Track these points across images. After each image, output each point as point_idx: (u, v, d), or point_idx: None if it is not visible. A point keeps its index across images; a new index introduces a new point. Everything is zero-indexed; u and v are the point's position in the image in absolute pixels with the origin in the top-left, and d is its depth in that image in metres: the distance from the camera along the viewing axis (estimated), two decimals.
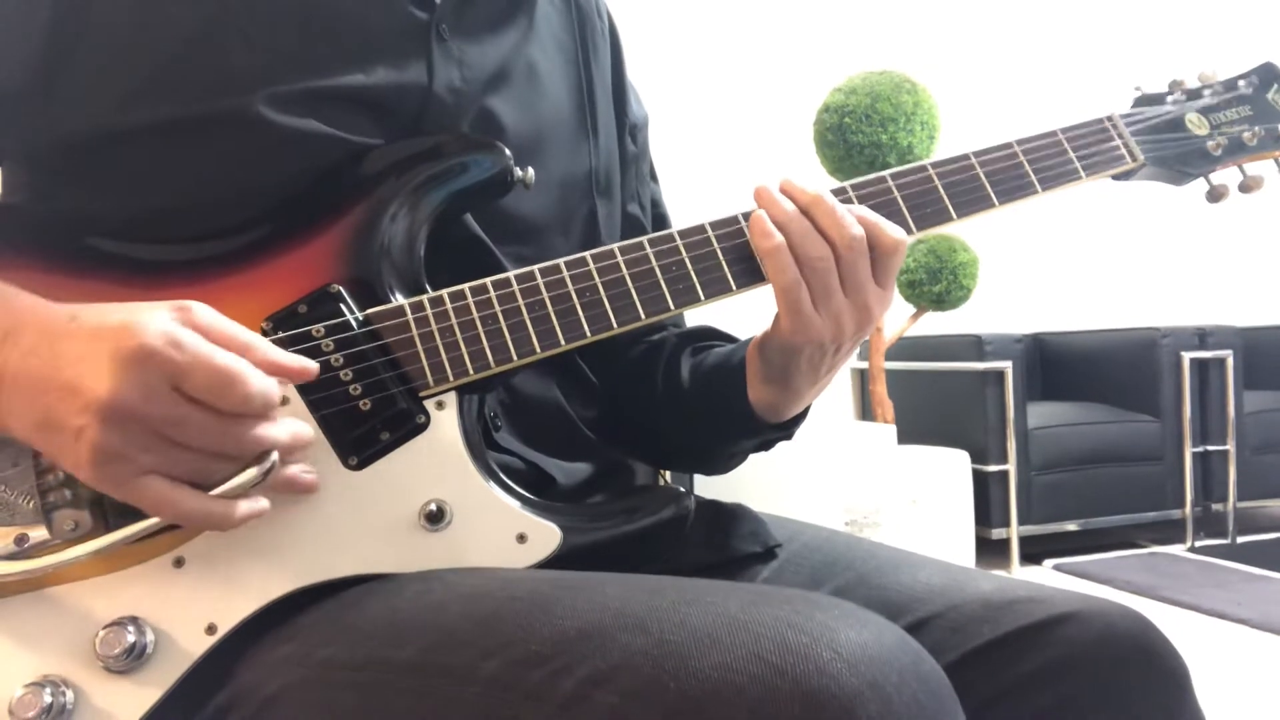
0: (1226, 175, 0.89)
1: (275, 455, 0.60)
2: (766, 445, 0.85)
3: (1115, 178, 0.85)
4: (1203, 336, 3.62)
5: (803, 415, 0.83)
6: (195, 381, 0.55)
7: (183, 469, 0.57)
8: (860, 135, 2.84)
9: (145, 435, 0.56)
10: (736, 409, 0.80)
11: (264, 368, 0.59)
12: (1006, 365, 3.29)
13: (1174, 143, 0.86)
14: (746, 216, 0.74)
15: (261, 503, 0.60)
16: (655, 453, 0.93)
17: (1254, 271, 4.55)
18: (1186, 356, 3.54)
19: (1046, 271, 4.27)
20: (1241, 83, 0.89)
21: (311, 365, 0.62)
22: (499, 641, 0.54)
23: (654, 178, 0.99)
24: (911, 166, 0.78)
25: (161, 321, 0.56)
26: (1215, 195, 0.88)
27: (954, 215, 0.78)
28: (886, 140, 2.82)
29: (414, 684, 0.55)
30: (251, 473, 0.59)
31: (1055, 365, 4.01)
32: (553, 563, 0.66)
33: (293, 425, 0.62)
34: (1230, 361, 3.58)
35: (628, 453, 0.89)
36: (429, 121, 0.75)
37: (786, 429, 0.83)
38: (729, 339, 0.89)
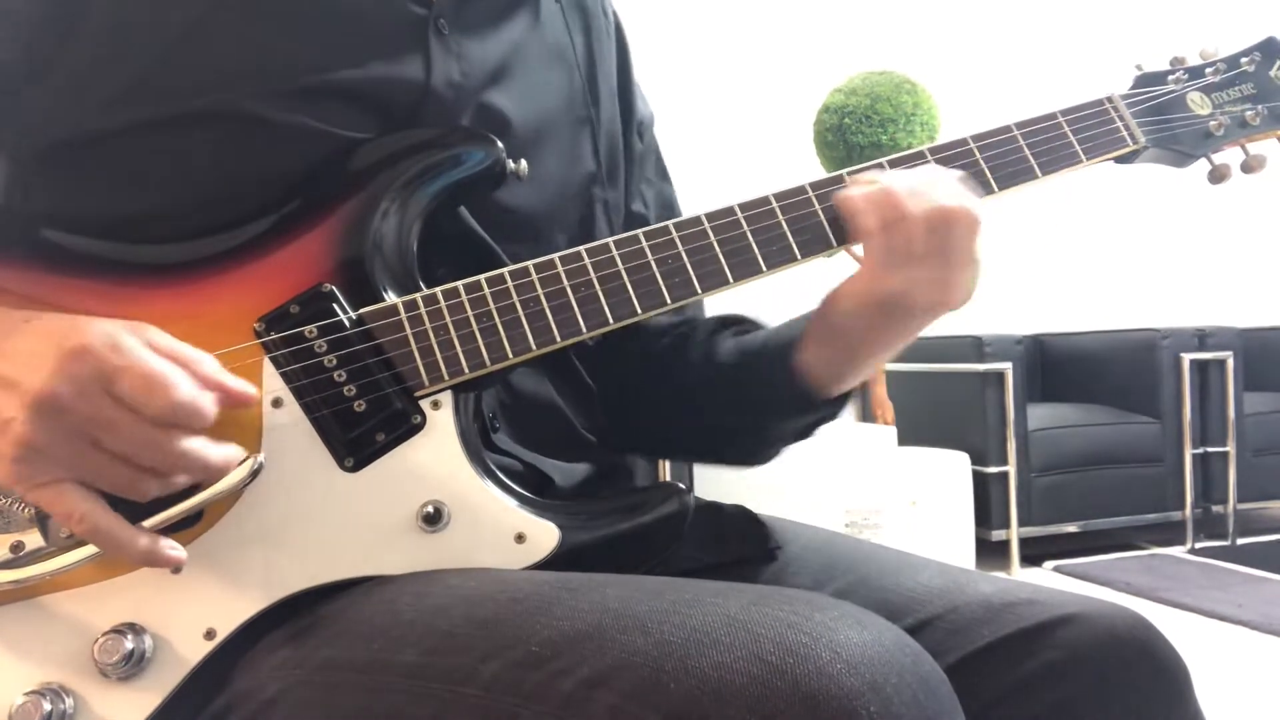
0: (1228, 155, 0.87)
1: (196, 500, 0.60)
2: (808, 431, 0.84)
3: (1117, 160, 0.83)
4: (1203, 338, 3.62)
5: (849, 394, 0.81)
6: (125, 384, 0.56)
7: (107, 479, 0.57)
8: (860, 136, 2.85)
9: (71, 435, 0.56)
10: (783, 381, 0.78)
11: (204, 382, 0.59)
12: (1006, 366, 3.29)
13: (1176, 124, 0.84)
14: (743, 208, 0.73)
15: (178, 551, 0.59)
16: (680, 446, 0.91)
17: (1254, 272, 4.55)
18: (1186, 358, 3.54)
19: (1046, 272, 4.27)
20: (1244, 60, 0.87)
21: (252, 391, 0.62)
22: (499, 643, 0.54)
23: (666, 178, 0.98)
24: (909, 153, 0.77)
25: (107, 326, 0.57)
26: (1217, 176, 0.86)
27: None
28: (887, 141, 2.82)
29: (414, 686, 0.55)
30: (175, 509, 0.59)
31: (1055, 367, 4.01)
32: (553, 563, 0.66)
33: (227, 450, 0.60)
34: (1230, 363, 3.58)
35: (639, 451, 0.88)
36: (427, 117, 0.74)
37: (832, 406, 0.81)
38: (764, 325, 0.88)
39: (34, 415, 0.55)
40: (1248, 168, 0.87)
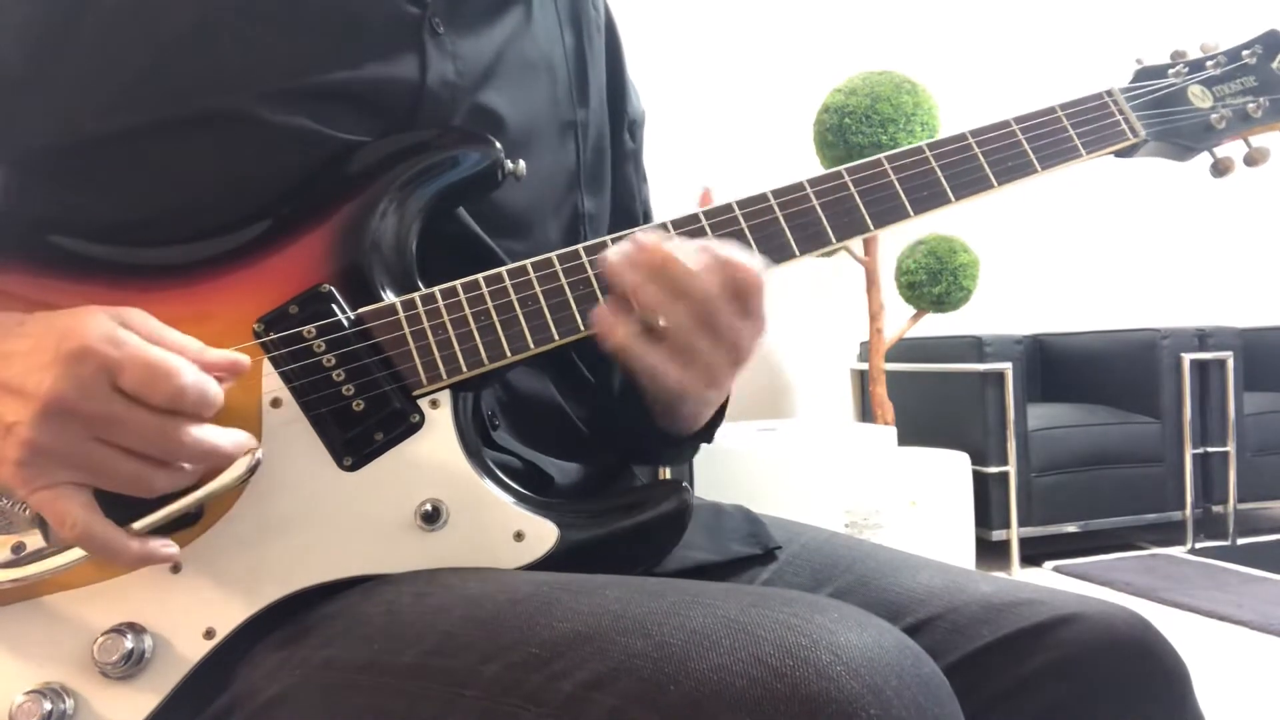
0: (1231, 148, 0.86)
1: (195, 495, 0.60)
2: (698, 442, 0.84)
3: (1117, 154, 0.83)
4: (1203, 338, 3.62)
5: (718, 417, 0.81)
6: (129, 376, 0.56)
7: (115, 475, 0.57)
8: (860, 136, 2.85)
9: (78, 436, 0.56)
10: (649, 428, 0.78)
11: (205, 367, 0.59)
12: (1006, 366, 3.29)
13: (1177, 117, 0.84)
14: (741, 205, 0.73)
15: (171, 548, 0.59)
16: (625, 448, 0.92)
17: (1254, 272, 4.55)
18: (1187, 358, 3.54)
19: (1046, 272, 4.27)
20: (1245, 52, 0.87)
21: (242, 358, 0.62)
22: (499, 644, 0.54)
23: (645, 180, 0.98)
24: (908, 149, 0.77)
25: (102, 323, 0.57)
26: (1220, 170, 0.86)
27: (952, 198, 0.76)
28: (886, 141, 2.82)
29: (414, 686, 0.55)
30: (173, 506, 0.59)
31: (1055, 366, 4.01)
32: (552, 561, 0.66)
33: (236, 434, 0.61)
34: (1230, 363, 3.58)
35: (620, 451, 0.88)
36: (423, 117, 0.74)
37: (701, 436, 0.81)
38: None
39: (41, 419, 0.55)
40: (1250, 161, 0.86)
